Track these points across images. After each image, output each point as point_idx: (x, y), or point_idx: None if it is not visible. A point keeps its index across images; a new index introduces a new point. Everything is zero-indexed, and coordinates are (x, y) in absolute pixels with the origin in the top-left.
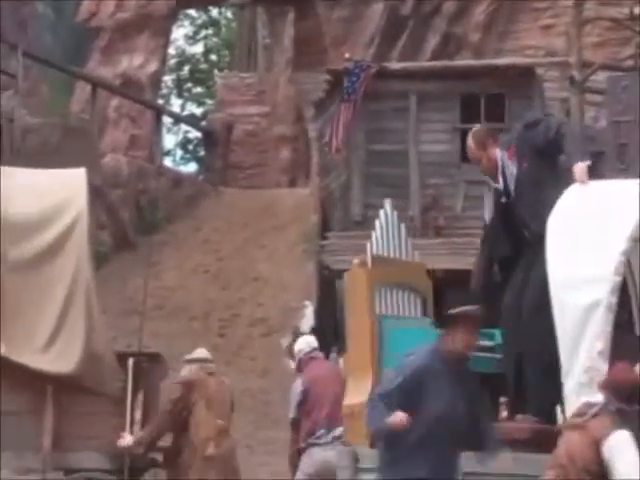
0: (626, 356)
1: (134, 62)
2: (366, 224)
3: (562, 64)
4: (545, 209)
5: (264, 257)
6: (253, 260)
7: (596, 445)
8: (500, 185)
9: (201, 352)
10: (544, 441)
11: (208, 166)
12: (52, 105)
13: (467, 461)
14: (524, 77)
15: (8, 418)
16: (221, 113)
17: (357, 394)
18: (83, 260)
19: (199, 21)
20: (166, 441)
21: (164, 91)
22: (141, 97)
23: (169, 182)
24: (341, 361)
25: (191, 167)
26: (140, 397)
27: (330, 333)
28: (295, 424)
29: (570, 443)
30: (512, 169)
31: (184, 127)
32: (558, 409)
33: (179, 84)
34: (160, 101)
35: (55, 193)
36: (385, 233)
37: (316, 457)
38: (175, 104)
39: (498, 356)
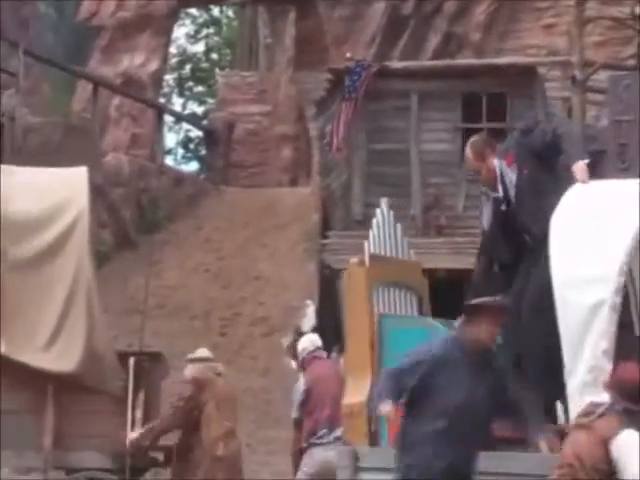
0: (626, 356)
1: (135, 61)
2: (367, 223)
3: (564, 63)
4: (546, 213)
5: (265, 256)
6: (254, 259)
7: (604, 444)
8: (500, 194)
9: (203, 352)
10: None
11: (209, 165)
12: (53, 104)
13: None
14: (526, 76)
15: (9, 417)
16: (222, 112)
17: (356, 393)
18: (84, 259)
19: (200, 20)
20: (169, 440)
21: (165, 90)
22: (142, 96)
23: (170, 181)
24: (342, 360)
25: (192, 166)
26: (141, 396)
27: (331, 332)
28: (298, 424)
29: (577, 443)
30: (511, 176)
31: (185, 126)
32: (560, 408)
33: (180, 83)
34: (161, 100)
35: (56, 192)
36: (382, 232)
37: (317, 457)
38: (176, 103)
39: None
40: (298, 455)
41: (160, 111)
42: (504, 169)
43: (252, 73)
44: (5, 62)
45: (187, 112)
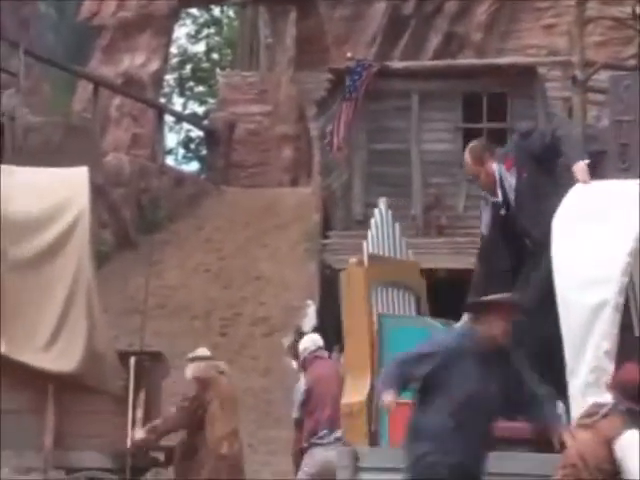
0: (626, 357)
1: (136, 61)
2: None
3: (564, 63)
4: (546, 217)
5: (266, 256)
6: (255, 259)
7: (608, 444)
8: (499, 198)
9: (203, 351)
10: (546, 440)
11: (210, 165)
12: (54, 104)
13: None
14: (526, 76)
15: (9, 417)
16: (223, 112)
17: (356, 393)
18: (84, 259)
19: (201, 20)
20: (171, 439)
21: (166, 90)
22: (143, 96)
23: (171, 181)
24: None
25: (193, 166)
26: (142, 396)
27: (332, 332)
28: (298, 424)
29: (581, 443)
30: (511, 180)
31: (186, 126)
32: (561, 408)
33: (181, 83)
34: (162, 100)
35: (56, 192)
36: (380, 232)
37: (318, 457)
38: (177, 103)
39: None
40: (299, 455)
41: (161, 111)
42: (503, 173)
43: (253, 73)
44: (5, 62)
45: (188, 112)
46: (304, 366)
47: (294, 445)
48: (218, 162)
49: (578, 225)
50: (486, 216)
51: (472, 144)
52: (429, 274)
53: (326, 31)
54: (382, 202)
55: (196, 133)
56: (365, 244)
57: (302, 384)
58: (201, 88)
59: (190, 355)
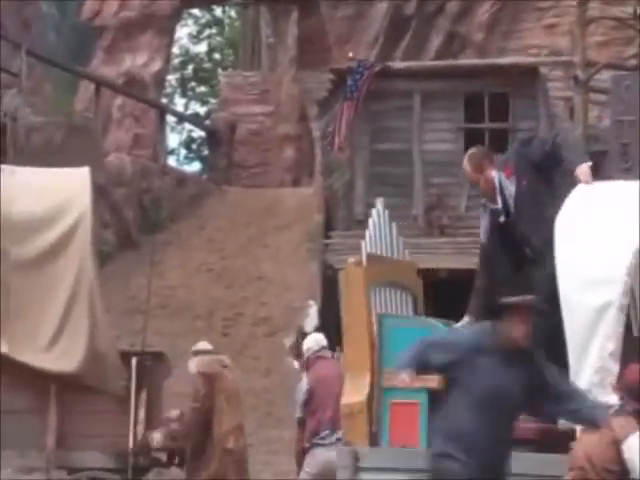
0: (627, 357)
1: (138, 61)
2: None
3: (566, 63)
4: (545, 224)
5: (268, 256)
6: (257, 259)
7: (616, 445)
8: (499, 205)
9: (204, 344)
10: (549, 440)
11: (212, 165)
12: (56, 104)
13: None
14: (528, 76)
15: (12, 417)
16: (225, 112)
17: (355, 393)
18: (86, 260)
19: (203, 20)
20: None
21: (168, 90)
22: (145, 96)
23: (173, 181)
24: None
25: (195, 166)
26: (143, 396)
27: (334, 333)
28: (301, 423)
29: (588, 444)
30: (510, 188)
31: (188, 126)
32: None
33: (183, 83)
34: (164, 100)
35: (58, 192)
36: (378, 232)
37: (319, 458)
38: (179, 103)
39: None
40: (301, 455)
41: (162, 111)
42: (503, 180)
43: (254, 73)
44: (7, 62)
45: (189, 112)
46: (307, 366)
47: (296, 444)
48: (220, 162)
49: (581, 226)
50: (485, 223)
51: (471, 151)
52: (430, 274)
53: (328, 31)
54: (379, 202)
55: (198, 133)
56: (363, 244)
57: (304, 384)
58: (203, 88)
59: (193, 349)
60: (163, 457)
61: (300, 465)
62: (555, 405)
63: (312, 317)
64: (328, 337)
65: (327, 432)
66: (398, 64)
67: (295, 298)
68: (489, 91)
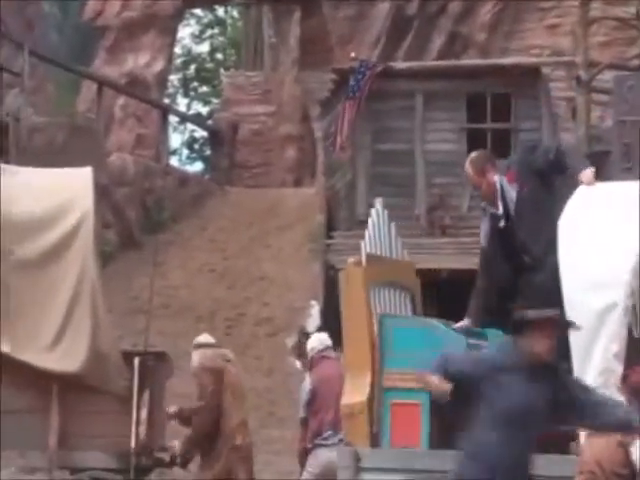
0: (627, 358)
1: (140, 61)
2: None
3: (568, 64)
4: (545, 233)
5: (270, 256)
6: (259, 259)
7: (624, 448)
8: (500, 210)
9: (206, 337)
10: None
11: (214, 165)
12: (58, 104)
13: None
14: (530, 76)
15: (14, 417)
16: (227, 112)
17: (356, 393)
18: (89, 260)
19: (205, 20)
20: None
21: (170, 90)
22: (147, 96)
23: (175, 181)
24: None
25: (197, 166)
26: (146, 396)
27: (336, 333)
28: (304, 423)
29: (596, 448)
30: (512, 193)
31: (190, 126)
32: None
33: (185, 83)
34: (166, 100)
35: (60, 193)
36: (377, 232)
37: (322, 458)
38: (181, 103)
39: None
40: (303, 455)
41: (165, 111)
42: (505, 185)
43: (257, 73)
44: (10, 62)
45: (192, 112)
46: (311, 366)
47: (299, 444)
48: (222, 162)
49: (584, 228)
50: (485, 227)
51: (474, 155)
52: (432, 274)
53: (330, 31)
54: (378, 202)
55: (200, 133)
56: (363, 244)
57: (307, 384)
58: (205, 88)
59: (195, 342)
60: (166, 457)
61: (303, 465)
62: (582, 417)
63: (314, 317)
64: (330, 337)
65: (329, 433)
66: (400, 64)
67: (297, 298)
68: (491, 91)
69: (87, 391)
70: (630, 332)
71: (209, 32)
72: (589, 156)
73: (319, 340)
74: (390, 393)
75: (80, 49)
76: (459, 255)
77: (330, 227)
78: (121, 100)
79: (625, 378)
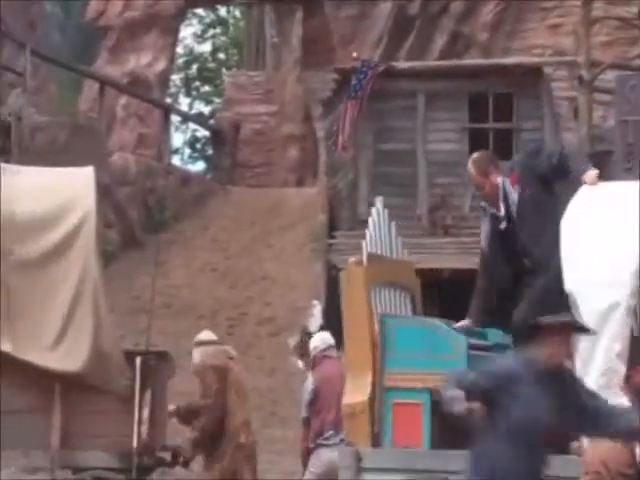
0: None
1: (142, 61)
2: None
3: (570, 63)
4: (547, 236)
5: (272, 256)
6: (261, 259)
7: (629, 448)
8: (501, 211)
9: (207, 334)
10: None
11: (216, 165)
12: (60, 104)
13: None
14: (532, 76)
15: (16, 416)
16: (229, 112)
17: (357, 393)
18: (91, 259)
19: (207, 20)
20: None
21: (172, 90)
22: (149, 96)
23: (177, 181)
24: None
25: (199, 166)
26: (148, 395)
27: (338, 332)
28: (306, 422)
29: (602, 449)
30: (514, 195)
31: (192, 126)
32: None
33: (187, 83)
34: (168, 100)
35: (62, 192)
36: (377, 231)
37: (324, 458)
38: (183, 103)
39: (493, 355)
40: (306, 454)
41: (167, 111)
42: (507, 187)
43: (259, 73)
44: (12, 62)
45: (194, 112)
46: (313, 365)
47: (301, 444)
48: (224, 162)
49: (586, 227)
50: (486, 228)
51: (477, 155)
52: (434, 274)
53: (332, 31)
54: (379, 201)
55: (202, 133)
56: (364, 244)
57: (310, 383)
58: (207, 88)
59: (196, 339)
60: (167, 457)
61: (305, 465)
62: (596, 425)
63: (316, 317)
64: (332, 337)
65: (331, 433)
66: (402, 64)
67: (299, 298)
68: (493, 91)
69: (89, 390)
70: (633, 332)
71: (211, 32)
72: (591, 156)
73: (322, 339)
74: (391, 393)
75: (82, 49)
76: (461, 255)
77: (332, 227)
78: (123, 100)
79: (628, 378)
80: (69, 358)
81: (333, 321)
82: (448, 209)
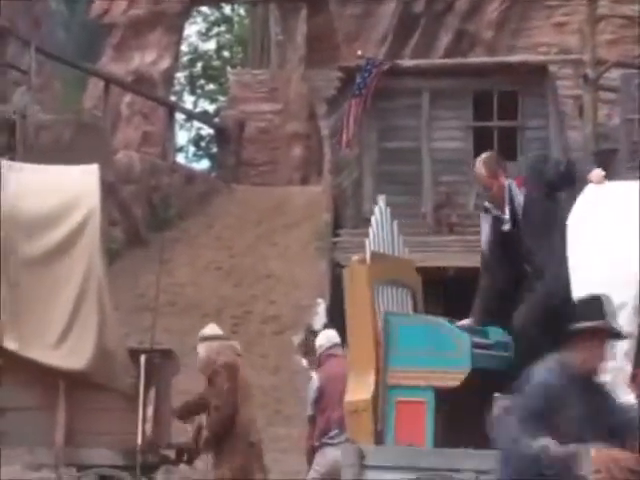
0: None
1: (147, 59)
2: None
3: (575, 61)
4: (549, 240)
5: (276, 254)
6: (265, 257)
7: None
8: (506, 214)
9: (213, 328)
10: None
11: (220, 163)
12: (65, 101)
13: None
14: (537, 74)
15: (21, 414)
16: (233, 110)
17: (360, 391)
18: (95, 257)
19: (212, 18)
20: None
21: (177, 88)
22: (154, 94)
23: (181, 179)
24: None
25: (203, 164)
26: (152, 393)
27: (342, 330)
28: (312, 421)
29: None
30: (520, 198)
31: (197, 124)
32: None
33: (192, 81)
34: (173, 98)
35: (67, 190)
36: (380, 230)
37: (329, 457)
38: (188, 101)
39: (494, 353)
40: (311, 453)
41: (171, 109)
42: (514, 189)
43: (263, 71)
44: (17, 60)
45: (198, 110)
46: (319, 363)
47: (307, 442)
48: (228, 160)
49: (592, 227)
50: (486, 229)
51: (486, 156)
52: (439, 272)
53: (336, 29)
54: (381, 199)
55: (207, 131)
56: (367, 242)
57: (315, 381)
58: (212, 86)
59: (201, 334)
60: (171, 454)
61: (310, 463)
62: (620, 431)
63: (321, 315)
64: (337, 335)
65: (336, 431)
66: (407, 62)
67: (304, 296)
68: (498, 89)
69: (93, 388)
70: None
71: (216, 30)
72: (596, 154)
73: (327, 338)
74: (395, 391)
75: (87, 47)
76: (466, 253)
77: (337, 225)
78: (128, 98)
79: (634, 377)
80: (73, 356)
81: (337, 319)
82: (453, 207)
